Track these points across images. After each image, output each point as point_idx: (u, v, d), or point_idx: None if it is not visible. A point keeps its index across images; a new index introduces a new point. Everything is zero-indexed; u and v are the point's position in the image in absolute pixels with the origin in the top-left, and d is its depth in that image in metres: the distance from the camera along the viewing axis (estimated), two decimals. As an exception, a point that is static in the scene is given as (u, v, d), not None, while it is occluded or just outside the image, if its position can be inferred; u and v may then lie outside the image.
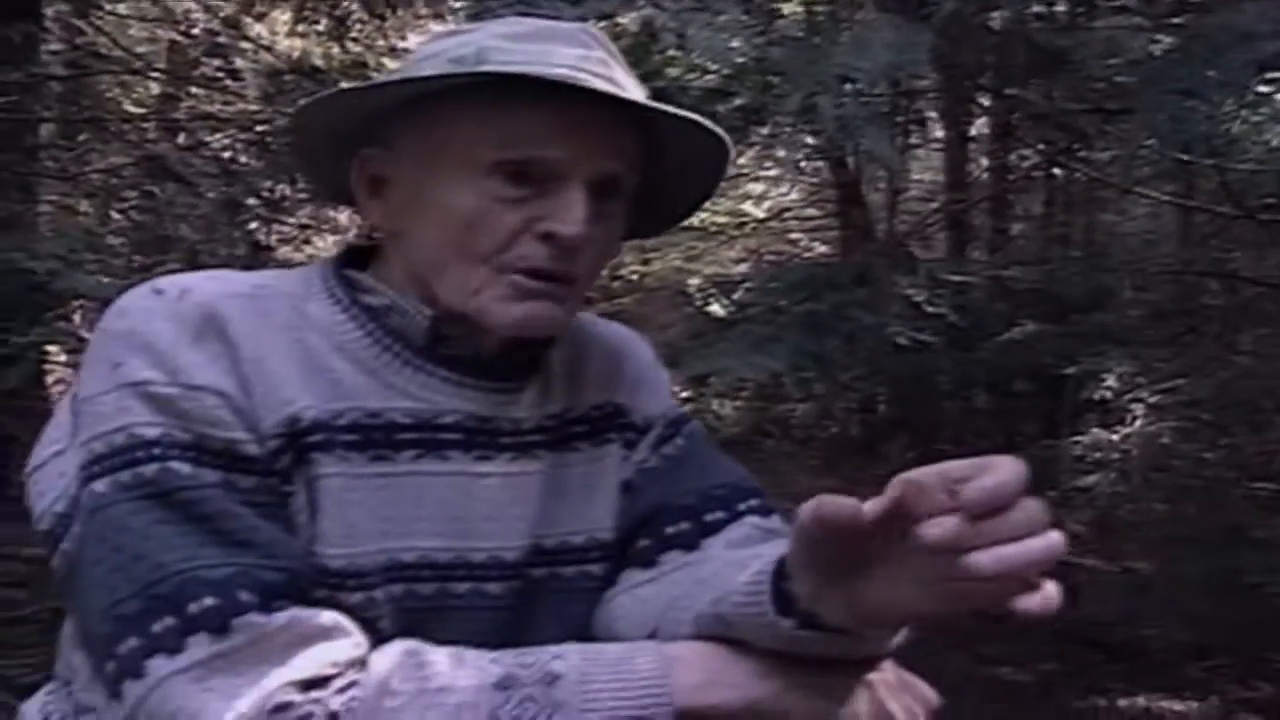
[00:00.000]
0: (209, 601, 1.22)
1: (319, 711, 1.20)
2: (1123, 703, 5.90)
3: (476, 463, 1.43)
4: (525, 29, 1.41)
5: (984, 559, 1.04)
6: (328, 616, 1.26)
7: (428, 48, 1.46)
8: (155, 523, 1.25)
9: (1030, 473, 1.07)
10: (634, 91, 1.41)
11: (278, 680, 1.20)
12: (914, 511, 1.08)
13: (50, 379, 9.43)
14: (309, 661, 1.22)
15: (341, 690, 1.21)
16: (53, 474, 1.36)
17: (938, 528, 1.05)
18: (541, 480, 1.48)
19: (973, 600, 1.11)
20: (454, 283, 1.39)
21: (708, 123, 1.42)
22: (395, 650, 1.27)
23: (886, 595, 1.16)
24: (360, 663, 1.25)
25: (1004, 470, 1.06)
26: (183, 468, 1.27)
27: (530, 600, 1.47)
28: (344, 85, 1.50)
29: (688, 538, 1.51)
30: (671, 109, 1.40)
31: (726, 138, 1.44)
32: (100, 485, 1.28)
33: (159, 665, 1.20)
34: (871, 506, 1.10)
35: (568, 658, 1.27)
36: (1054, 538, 1.06)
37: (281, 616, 1.23)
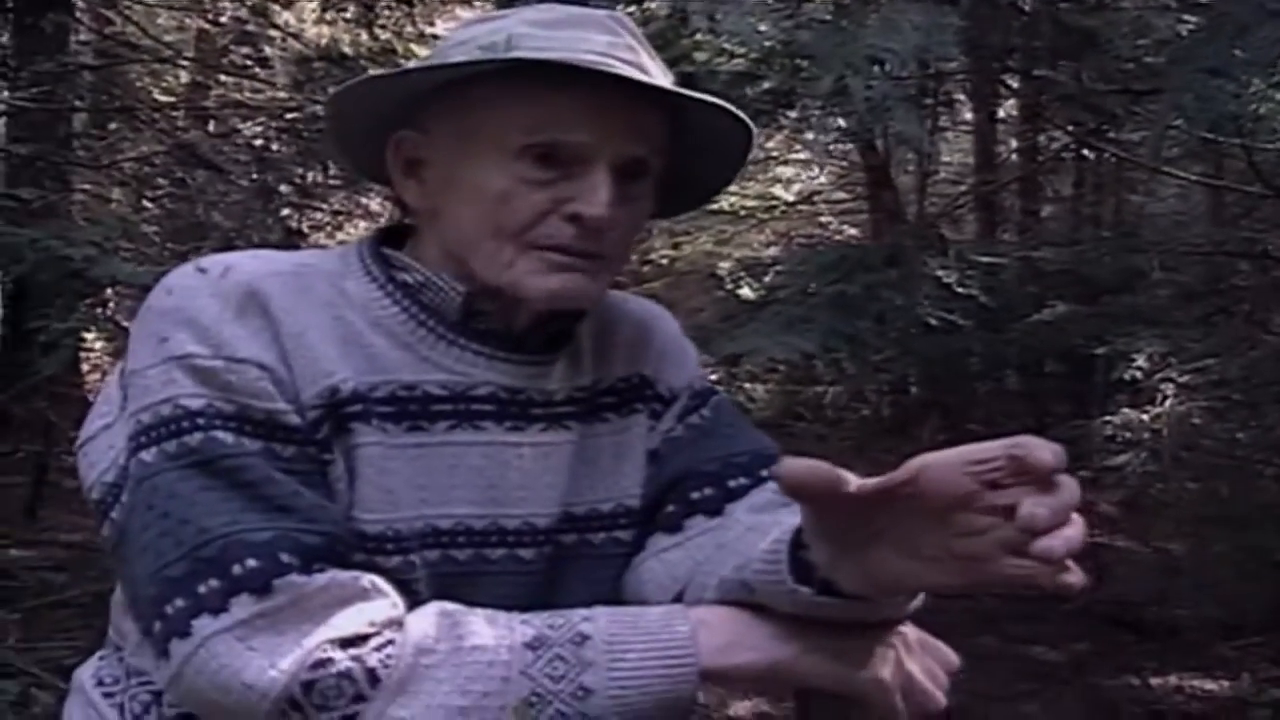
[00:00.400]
0: (252, 563, 1.26)
1: (358, 668, 1.24)
2: (1155, 681, 5.91)
3: (509, 433, 1.47)
4: (555, 16, 1.45)
5: (1055, 544, 1.07)
6: (365, 578, 1.31)
7: (459, 34, 1.50)
8: (200, 489, 1.30)
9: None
10: (660, 77, 1.44)
11: (318, 638, 1.25)
12: (934, 493, 1.12)
13: (86, 366, 9.50)
14: (348, 620, 1.26)
15: (379, 648, 1.26)
16: (102, 446, 1.40)
17: (1041, 508, 1.07)
18: (572, 450, 1.52)
19: (990, 576, 1.14)
20: (487, 258, 1.43)
21: (731, 107, 1.45)
22: (431, 611, 1.31)
23: (902, 567, 1.18)
24: (397, 623, 1.29)
25: (1047, 445, 1.09)
26: (226, 437, 1.32)
27: (561, 566, 1.51)
28: (377, 72, 1.53)
29: (712, 503, 1.54)
30: (695, 94, 1.44)
31: (749, 121, 1.48)
32: (148, 455, 1.33)
33: (204, 625, 1.25)
34: (872, 483, 1.13)
35: (596, 619, 1.32)
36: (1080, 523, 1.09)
37: (321, 578, 1.27)
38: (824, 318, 5.30)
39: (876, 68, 3.65)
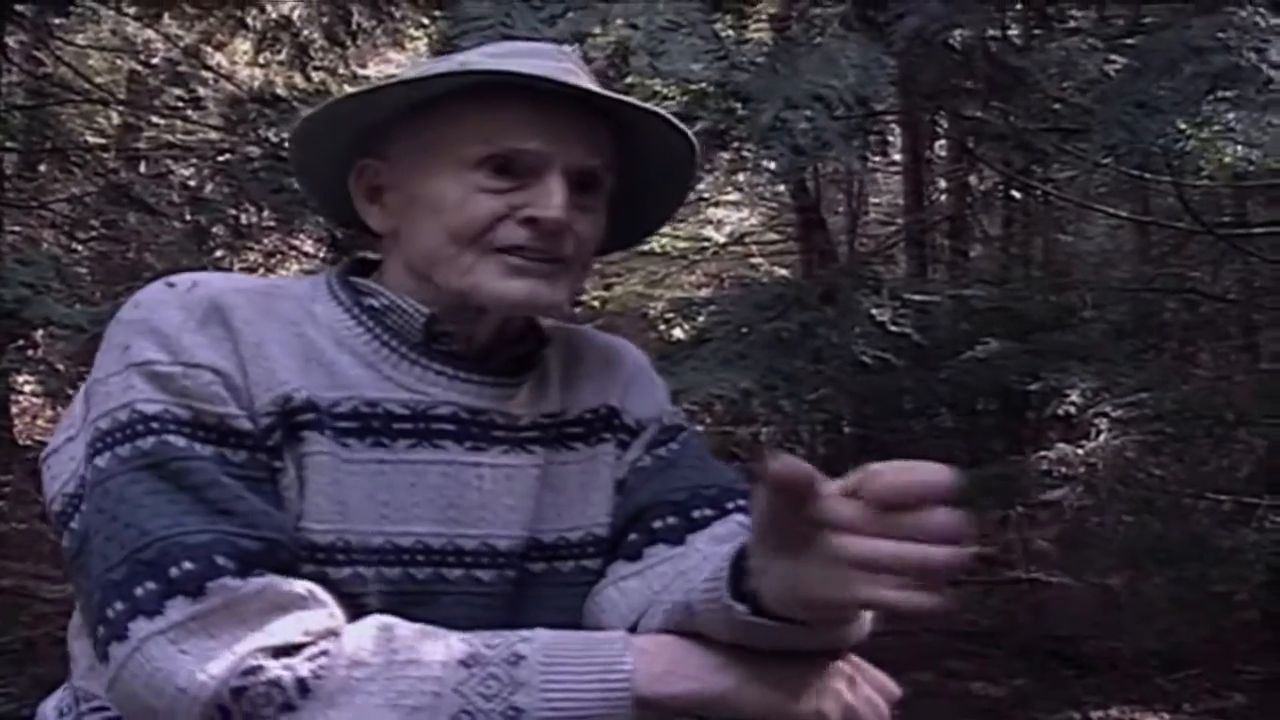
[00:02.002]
0: (188, 566, 1.27)
1: (288, 677, 1.25)
2: (1095, 715, 5.95)
3: (469, 453, 1.49)
4: (506, 49, 1.53)
5: (865, 548, 1.10)
6: (303, 586, 1.31)
7: (414, 69, 1.55)
8: (147, 493, 1.31)
9: (973, 485, 1.10)
10: (620, 96, 1.50)
11: (250, 645, 1.25)
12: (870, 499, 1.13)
13: (15, 409, 9.39)
14: (282, 628, 1.27)
15: (312, 658, 1.26)
16: (64, 458, 1.43)
17: (832, 511, 1.11)
18: (536, 475, 1.53)
19: (865, 594, 1.14)
20: (448, 265, 1.46)
21: (671, 117, 1.51)
22: (369, 624, 1.32)
23: (823, 575, 1.17)
24: (333, 633, 1.29)
25: (918, 472, 1.10)
26: (178, 440, 1.34)
27: (527, 592, 1.52)
28: (338, 96, 1.58)
29: (675, 533, 1.55)
30: (637, 102, 1.51)
31: (691, 134, 1.53)
32: (102, 460, 1.34)
33: (140, 627, 1.25)
34: (835, 484, 1.14)
35: (534, 640, 1.32)
36: (952, 551, 1.09)
37: (257, 582, 1.28)
38: (761, 355, 5.34)
39: (816, 104, 3.68)
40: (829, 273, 9.46)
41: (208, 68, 9.35)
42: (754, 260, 15.94)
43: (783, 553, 1.20)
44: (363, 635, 1.30)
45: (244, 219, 8.02)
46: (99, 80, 9.76)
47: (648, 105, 1.51)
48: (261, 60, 9.49)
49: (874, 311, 6.24)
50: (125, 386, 1.36)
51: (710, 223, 15.93)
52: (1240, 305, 8.36)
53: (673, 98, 5.61)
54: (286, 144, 1.75)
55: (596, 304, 16.04)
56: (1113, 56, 4.97)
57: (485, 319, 1.50)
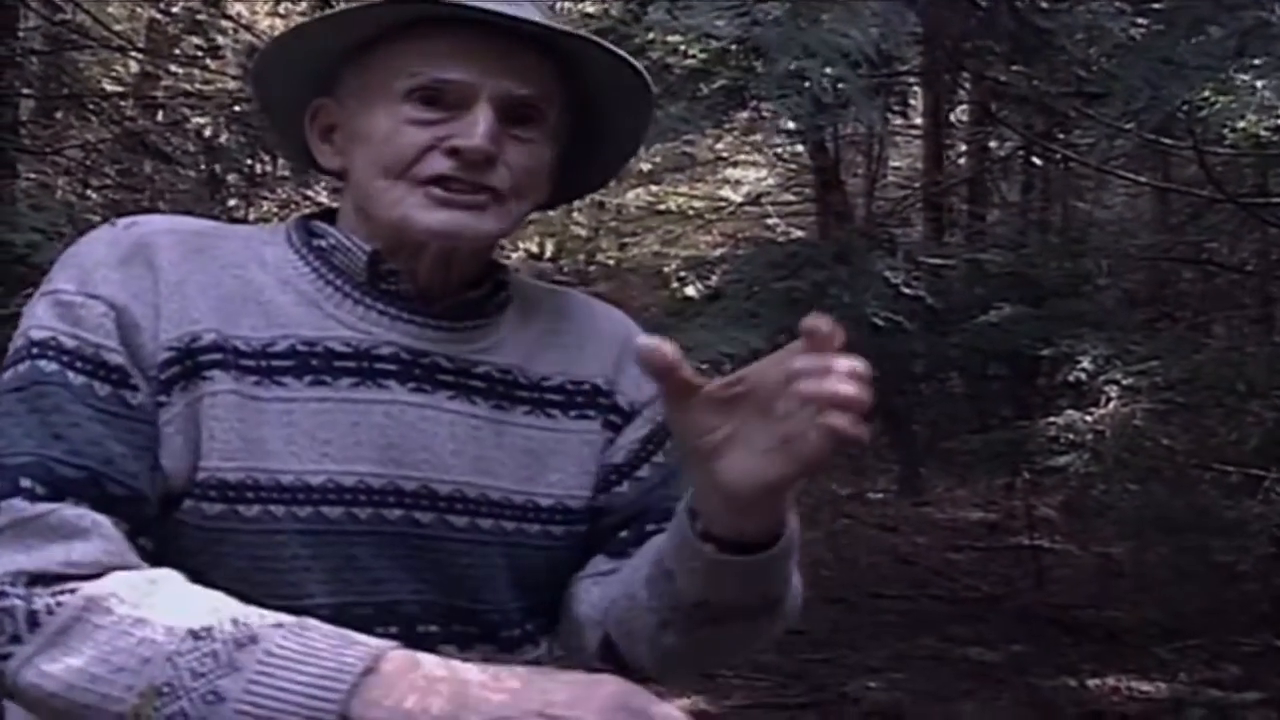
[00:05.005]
0: None
1: (21, 607, 1.22)
2: (1092, 683, 5.95)
3: (413, 394, 1.47)
4: None
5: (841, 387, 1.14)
6: (91, 519, 1.28)
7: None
8: (4, 414, 1.33)
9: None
10: (545, 21, 1.46)
11: (7, 566, 1.24)
12: (758, 383, 1.21)
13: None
14: (47, 555, 1.25)
15: (58, 593, 1.23)
16: None
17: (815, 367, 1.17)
18: (486, 426, 1.52)
19: (810, 448, 1.17)
20: (381, 199, 1.45)
21: (616, 49, 1.49)
22: (145, 572, 1.28)
23: (743, 465, 1.21)
24: (105, 570, 1.26)
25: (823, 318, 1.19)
26: (49, 366, 1.33)
27: (484, 547, 1.50)
28: (281, 33, 1.61)
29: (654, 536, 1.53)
30: (573, 30, 1.49)
31: (636, 63, 1.51)
32: None
33: None
34: (713, 383, 1.21)
35: (285, 626, 1.21)
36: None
37: (45, 507, 1.26)
38: (773, 314, 5.33)
39: (834, 57, 3.66)
40: (844, 233, 9.44)
41: (227, 17, 9.32)
42: (770, 220, 15.93)
43: (705, 458, 1.24)
44: (125, 582, 1.24)
45: (259, 169, 8.03)
46: (118, 28, 9.71)
47: (586, 34, 1.49)
48: (282, 10, 9.46)
49: (888, 273, 6.24)
50: (32, 314, 1.38)
51: (728, 182, 15.90)
52: (1257, 277, 8.34)
53: (693, 55, 5.59)
54: (252, 79, 1.74)
55: (612, 262, 16.05)
56: (1140, 20, 4.94)
57: (423, 255, 1.48)
